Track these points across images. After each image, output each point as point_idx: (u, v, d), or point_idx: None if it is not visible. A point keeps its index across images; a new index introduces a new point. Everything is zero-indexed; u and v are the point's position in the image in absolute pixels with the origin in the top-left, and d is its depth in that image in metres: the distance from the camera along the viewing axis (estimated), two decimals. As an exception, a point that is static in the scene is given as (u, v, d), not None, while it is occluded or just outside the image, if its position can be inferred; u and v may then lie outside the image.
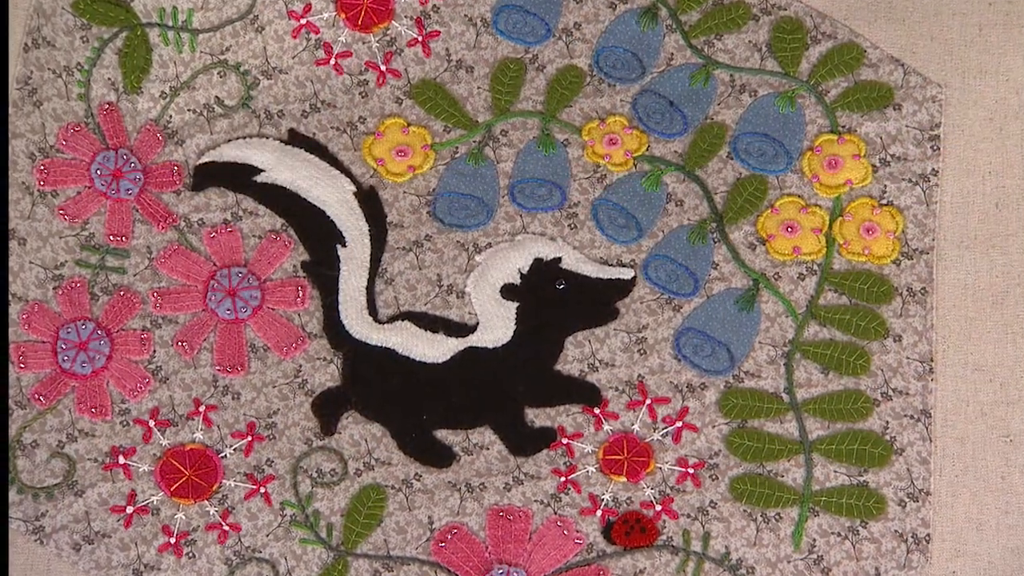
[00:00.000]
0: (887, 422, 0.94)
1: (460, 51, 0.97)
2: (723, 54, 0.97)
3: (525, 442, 0.95)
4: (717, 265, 0.96)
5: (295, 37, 0.97)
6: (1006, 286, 0.95)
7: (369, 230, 0.96)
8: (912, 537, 0.94)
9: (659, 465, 0.95)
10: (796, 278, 0.95)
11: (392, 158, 0.96)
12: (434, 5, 0.98)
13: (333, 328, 0.96)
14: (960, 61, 0.95)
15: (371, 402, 0.95)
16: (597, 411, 0.95)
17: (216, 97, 0.97)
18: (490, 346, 0.95)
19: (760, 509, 0.95)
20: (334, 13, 0.97)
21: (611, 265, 0.96)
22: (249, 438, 0.96)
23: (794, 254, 0.95)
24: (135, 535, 0.96)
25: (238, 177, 0.96)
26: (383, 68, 0.97)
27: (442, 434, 0.96)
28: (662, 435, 0.95)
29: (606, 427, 0.95)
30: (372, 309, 0.96)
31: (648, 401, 0.95)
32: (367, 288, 0.96)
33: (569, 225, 0.96)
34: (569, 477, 0.95)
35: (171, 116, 0.97)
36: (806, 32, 0.96)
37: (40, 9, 0.97)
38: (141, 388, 0.96)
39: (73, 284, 0.96)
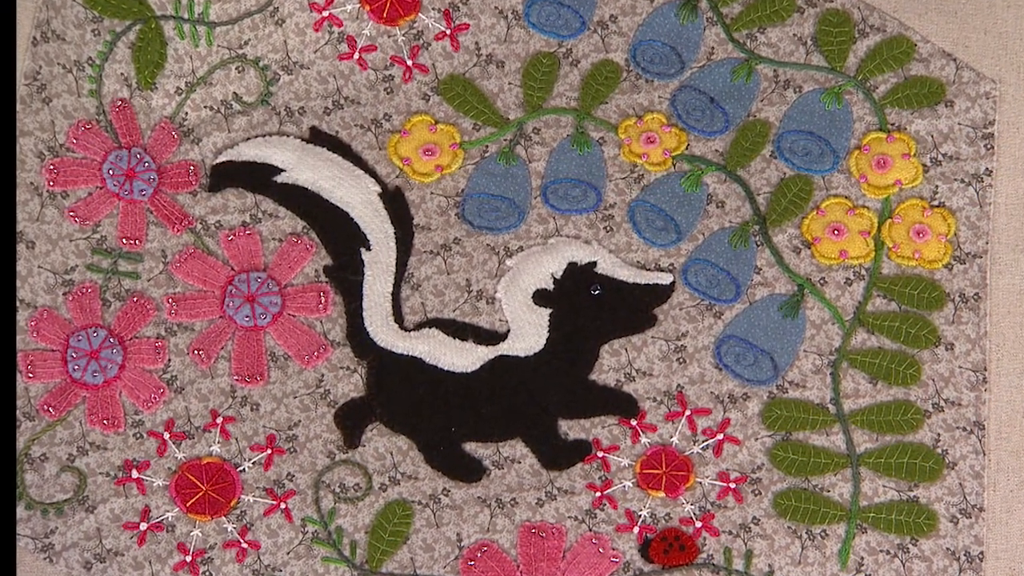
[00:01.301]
0: (938, 434, 0.94)
1: (490, 45, 0.97)
2: (766, 48, 0.96)
3: (558, 455, 0.95)
4: (760, 270, 0.95)
5: (317, 30, 0.97)
6: (1064, 292, 0.95)
7: (395, 233, 0.96)
8: (965, 555, 0.93)
9: (699, 479, 0.95)
10: (843, 283, 0.95)
11: (419, 157, 0.96)
12: (463, -4, 0.98)
13: (357, 336, 0.95)
14: (1015, 55, 0.95)
15: (397, 413, 0.95)
16: (634, 423, 0.95)
17: (234, 93, 0.97)
18: (522, 354, 0.95)
19: (805, 526, 0.94)
20: (358, 5, 0.97)
21: (649, 270, 0.95)
22: (269, 451, 0.95)
23: (841, 258, 0.94)
24: (149, 553, 0.95)
25: (257, 177, 0.96)
26: (409, 63, 0.97)
27: (471, 447, 0.95)
28: (702, 448, 0.95)
29: (643, 440, 0.95)
30: (398, 316, 0.95)
31: (688, 412, 0.95)
32: (393, 294, 0.95)
33: (605, 228, 0.96)
34: (605, 492, 0.95)
35: (187, 113, 0.97)
36: (853, 25, 0.96)
37: (49, 1, 0.97)
38: (155, 399, 0.95)
39: (84, 290, 0.96)
